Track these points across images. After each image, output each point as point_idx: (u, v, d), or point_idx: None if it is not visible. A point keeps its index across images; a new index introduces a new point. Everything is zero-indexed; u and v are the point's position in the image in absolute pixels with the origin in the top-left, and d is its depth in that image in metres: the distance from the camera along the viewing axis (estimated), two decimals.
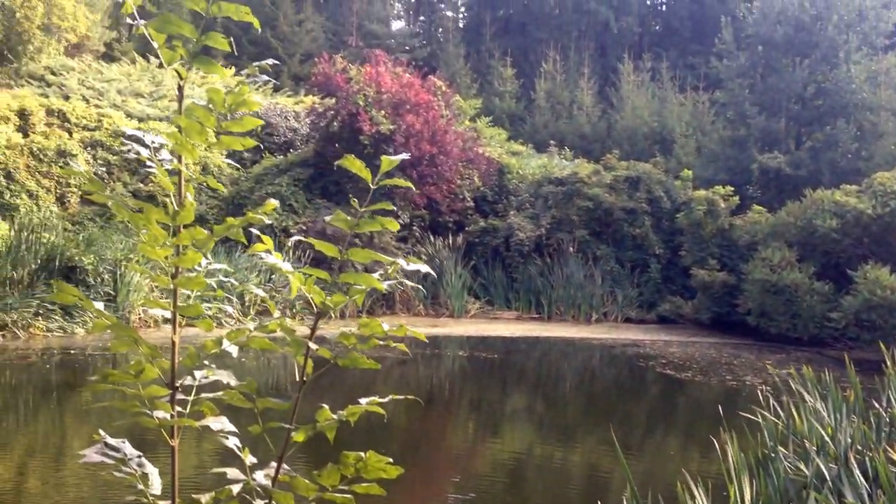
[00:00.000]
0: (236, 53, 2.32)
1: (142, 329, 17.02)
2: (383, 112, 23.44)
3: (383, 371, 14.87)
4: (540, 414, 13.22)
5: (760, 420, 7.21)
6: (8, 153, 20.38)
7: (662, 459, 10.14)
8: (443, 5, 59.39)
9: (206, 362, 2.53)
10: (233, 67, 25.00)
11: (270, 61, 2.51)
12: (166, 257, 2.38)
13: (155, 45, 2.31)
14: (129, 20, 2.36)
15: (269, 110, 27.71)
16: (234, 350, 2.49)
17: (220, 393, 2.52)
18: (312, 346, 2.42)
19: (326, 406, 2.48)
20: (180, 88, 2.40)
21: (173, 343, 2.44)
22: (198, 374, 2.54)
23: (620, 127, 38.12)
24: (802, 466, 6.17)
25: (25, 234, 17.69)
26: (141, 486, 2.38)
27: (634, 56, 44.07)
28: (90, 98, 27.56)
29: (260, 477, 2.51)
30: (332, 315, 2.67)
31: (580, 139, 38.22)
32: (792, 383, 8.00)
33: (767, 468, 6.21)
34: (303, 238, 2.92)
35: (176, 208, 2.35)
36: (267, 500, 2.49)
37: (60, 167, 21.08)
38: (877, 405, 6.98)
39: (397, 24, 56.49)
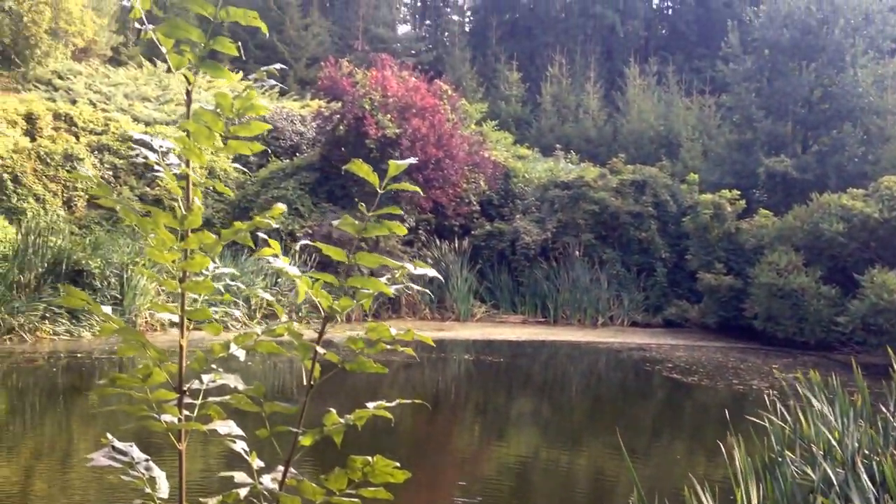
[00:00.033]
0: (244, 58, 2.33)
1: (148, 333, 17.04)
2: (389, 116, 23.47)
3: (389, 374, 14.88)
4: (546, 418, 13.20)
5: (767, 424, 7.19)
6: (15, 157, 20.44)
7: (669, 463, 10.12)
8: (449, 9, 59.47)
9: (213, 366, 2.53)
10: (240, 72, 25.13)
11: (278, 66, 2.51)
12: (174, 261, 2.38)
13: (163, 49, 2.31)
14: (137, 25, 2.37)
15: (276, 114, 27.76)
16: (241, 354, 2.49)
17: (227, 397, 2.53)
18: (320, 350, 2.42)
19: (334, 410, 2.48)
20: (188, 93, 2.40)
21: (181, 347, 2.44)
22: (205, 377, 2.54)
23: (626, 131, 38.12)
24: (809, 471, 6.15)
25: (32, 237, 17.74)
26: (148, 490, 2.38)
27: (640, 60, 44.07)
28: (97, 102, 27.65)
29: (267, 481, 2.51)
30: (338, 319, 2.68)
31: (586, 143, 38.22)
32: (799, 387, 7.98)
33: (774, 472, 6.19)
34: (310, 242, 2.93)
35: (184, 212, 2.36)
36: None
37: (67, 171, 21.14)
38: (884, 409, 6.95)
39: (403, 28, 56.65)
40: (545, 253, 24.68)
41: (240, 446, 2.50)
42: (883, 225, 19.69)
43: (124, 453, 2.40)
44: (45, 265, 17.55)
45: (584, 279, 24.00)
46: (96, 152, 22.61)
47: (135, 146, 2.47)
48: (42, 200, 20.30)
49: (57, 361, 14.78)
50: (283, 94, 34.01)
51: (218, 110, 2.35)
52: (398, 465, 2.41)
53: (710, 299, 22.56)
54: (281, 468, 2.54)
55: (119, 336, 2.37)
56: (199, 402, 2.53)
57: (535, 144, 36.35)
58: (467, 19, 58.80)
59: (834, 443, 6.49)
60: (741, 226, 23.51)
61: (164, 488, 2.41)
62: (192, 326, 2.49)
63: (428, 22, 59.20)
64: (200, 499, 2.49)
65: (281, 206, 2.47)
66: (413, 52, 48.76)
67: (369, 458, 2.40)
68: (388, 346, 2.47)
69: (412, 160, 2.46)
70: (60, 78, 29.45)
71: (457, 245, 24.32)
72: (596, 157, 33.65)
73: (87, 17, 31.13)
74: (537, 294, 24.31)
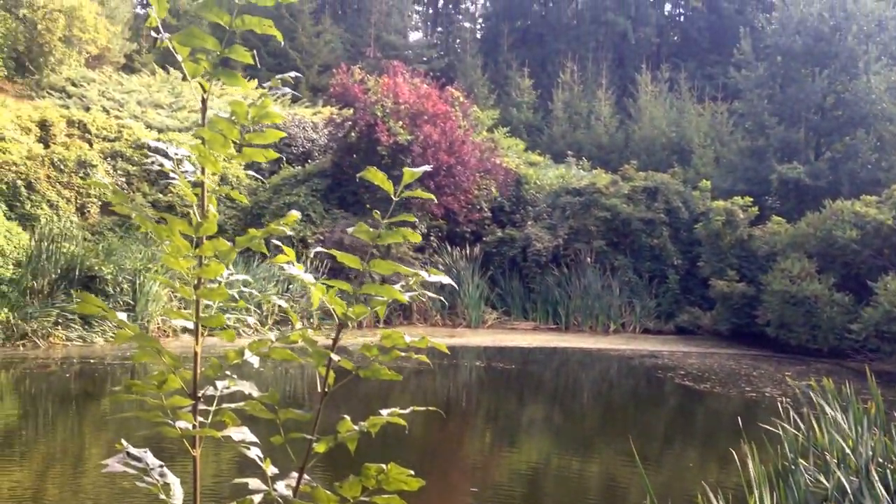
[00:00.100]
0: (260, 66, 2.34)
1: (160, 339, 17.06)
2: (401, 123, 23.51)
3: (401, 381, 14.88)
4: (558, 425, 13.18)
5: (780, 432, 7.16)
6: (29, 164, 20.55)
7: (681, 471, 10.09)
8: (460, 16, 59.58)
9: (227, 372, 2.54)
10: (255, 80, 25.22)
11: (293, 74, 2.53)
12: (189, 268, 2.39)
13: (179, 58, 2.33)
14: (153, 34, 2.38)
15: (288, 121, 27.83)
16: (255, 361, 2.50)
17: (241, 403, 2.53)
18: (334, 357, 2.43)
19: (348, 417, 2.49)
20: (204, 101, 2.42)
21: (195, 353, 2.45)
22: (220, 384, 2.55)
23: (638, 137, 38.07)
24: (823, 479, 6.13)
25: (46, 244, 17.84)
26: (163, 496, 2.39)
27: (652, 66, 44.03)
28: (110, 109, 27.77)
29: (281, 487, 2.52)
30: (350, 325, 2.68)
31: (598, 149, 38.19)
32: (812, 395, 7.95)
33: (788, 480, 6.17)
34: (325, 250, 2.93)
35: (199, 220, 2.37)
36: None
37: (81, 178, 21.24)
38: None
39: (415, 36, 56.76)
40: (556, 259, 24.65)
41: (254, 453, 2.51)
42: None
43: (139, 459, 2.41)
44: (59, 271, 17.64)
45: (595, 286, 23.96)
46: (109, 159, 22.70)
47: (150, 153, 2.49)
48: (55, 207, 20.39)
49: (70, 367, 14.83)
50: (295, 100, 34.09)
51: (233, 118, 2.36)
52: (412, 473, 2.41)
53: (723, 306, 22.49)
54: (294, 475, 2.54)
55: (134, 342, 2.38)
56: (213, 408, 2.54)
57: (547, 151, 36.34)
58: (479, 26, 58.88)
59: (848, 451, 6.46)
60: (754, 233, 23.44)
61: (178, 495, 2.42)
62: (206, 333, 2.50)
63: (440, 29, 59.33)
64: None
65: (295, 214, 2.48)
66: (425, 59, 48.83)
67: (383, 466, 2.40)
68: (403, 354, 2.47)
69: (426, 168, 2.47)
70: (74, 85, 29.60)
71: (468, 251, 24.32)
72: (608, 163, 33.62)
73: (101, 25, 31.29)
74: (549, 301, 24.28)
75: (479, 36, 56.44)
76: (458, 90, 27.20)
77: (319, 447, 2.48)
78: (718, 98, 38.43)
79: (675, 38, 54.62)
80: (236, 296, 2.57)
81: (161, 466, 2.43)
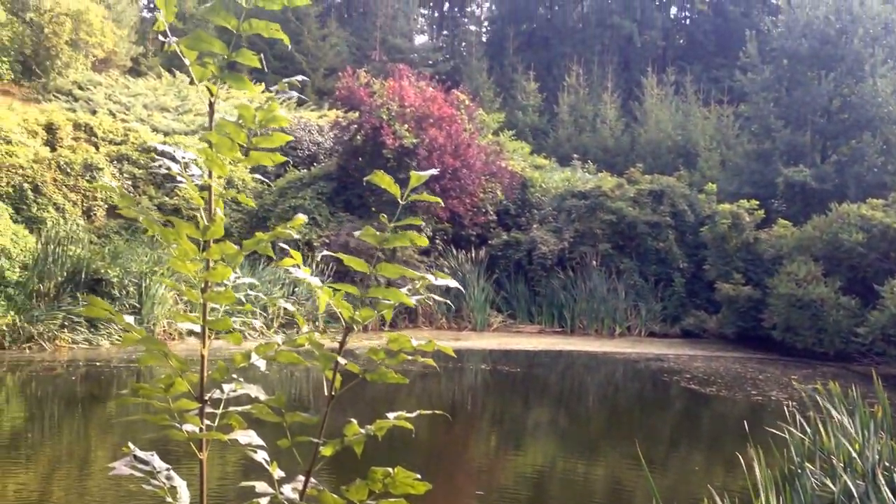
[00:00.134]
0: (266, 69, 2.35)
1: (165, 342, 17.10)
2: (406, 126, 23.52)
3: (406, 384, 14.87)
4: (563, 428, 13.17)
5: (787, 436, 7.15)
6: (35, 167, 20.60)
7: (687, 474, 10.07)
8: (466, 20, 59.66)
9: (233, 376, 2.55)
10: (263, 84, 25.25)
11: (300, 77, 2.53)
12: (196, 272, 2.40)
13: (186, 62, 2.33)
14: (160, 37, 2.39)
15: (294, 124, 27.87)
16: (262, 364, 2.50)
17: (248, 406, 2.54)
18: (341, 360, 2.43)
19: (355, 421, 2.49)
20: (211, 105, 2.42)
21: (202, 357, 2.45)
22: (226, 387, 2.55)
23: (644, 140, 38.05)
24: (829, 483, 6.11)
25: (52, 246, 17.88)
26: (170, 499, 2.39)
27: (658, 70, 44.03)
28: (117, 112, 27.85)
29: (288, 491, 2.52)
30: (356, 328, 2.68)
31: (603, 153, 38.18)
32: (818, 399, 7.93)
33: (794, 484, 6.16)
34: (332, 253, 2.93)
35: (206, 223, 2.37)
36: None
37: (87, 181, 21.29)
38: None
39: (420, 39, 56.81)
40: (562, 263, 24.62)
41: (260, 456, 2.51)
42: None
43: (146, 462, 2.42)
44: (65, 274, 17.68)
45: (601, 289, 23.93)
46: (115, 162, 22.75)
47: (158, 157, 2.49)
48: (62, 210, 20.44)
49: (76, 370, 14.86)
50: (300, 104, 34.15)
51: (240, 122, 2.37)
52: (419, 476, 2.41)
53: (729, 310, 22.45)
54: (301, 478, 2.55)
55: (142, 346, 2.39)
56: (219, 411, 2.54)
57: (553, 154, 36.35)
58: (484, 30, 58.95)
59: (854, 454, 6.45)
60: (760, 236, 23.40)
61: (185, 497, 2.42)
62: (212, 336, 2.51)
63: (445, 32, 59.40)
64: None
65: (302, 217, 2.49)
66: (430, 62, 48.91)
67: (390, 470, 2.40)
68: (409, 357, 2.47)
69: (433, 171, 2.47)
70: (80, 88, 29.68)
71: (473, 255, 24.31)
72: (613, 166, 33.61)
73: (108, 29, 31.40)
74: (554, 304, 24.25)
75: (484, 39, 56.50)
76: (464, 93, 27.20)
77: (326, 450, 2.48)
78: (724, 101, 38.41)
79: (681, 41, 54.62)
80: (243, 299, 2.58)
81: (168, 469, 2.43)
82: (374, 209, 22.98)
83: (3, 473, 8.73)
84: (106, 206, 21.47)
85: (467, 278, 23.37)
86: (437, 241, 24.10)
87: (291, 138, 2.64)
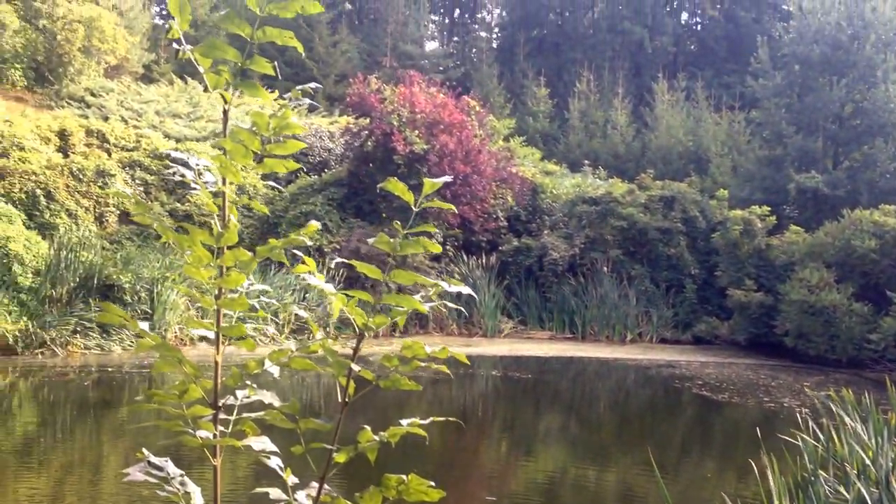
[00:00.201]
0: (280, 77, 2.36)
1: (177, 347, 17.15)
2: (417, 132, 23.55)
3: (419, 390, 14.87)
4: (574, 434, 13.14)
5: (800, 443, 7.11)
6: (48, 173, 20.70)
7: (699, 481, 10.04)
8: (476, 26, 59.72)
9: (247, 382, 2.55)
10: (275, 91, 25.32)
11: (313, 85, 2.54)
12: (210, 278, 2.41)
13: (201, 69, 2.34)
14: (175, 45, 2.40)
15: (305, 130, 27.87)
16: (275, 370, 2.50)
17: (262, 413, 2.54)
18: (355, 367, 2.43)
19: (368, 427, 2.49)
20: (225, 112, 2.43)
21: (216, 363, 2.46)
22: (240, 393, 2.56)
23: (655, 146, 37.98)
24: (843, 490, 6.08)
25: (64, 252, 17.96)
26: None
27: (669, 75, 43.93)
28: (129, 119, 27.95)
29: (301, 497, 2.52)
30: (368, 335, 2.68)
31: (614, 158, 38.11)
32: (831, 406, 7.89)
33: (807, 491, 6.13)
34: (346, 260, 2.94)
35: (220, 230, 2.38)
36: None
37: (99, 187, 21.38)
38: None
39: (431, 45, 56.85)
40: (573, 269, 24.59)
41: (274, 462, 2.51)
42: None
43: (160, 468, 2.42)
44: (77, 280, 17.76)
45: (612, 295, 23.88)
46: (128, 168, 22.84)
47: (172, 164, 2.51)
48: (74, 216, 20.52)
49: (88, 375, 14.91)
50: (311, 110, 34.21)
51: (254, 129, 2.38)
52: (433, 484, 2.41)
53: (741, 316, 22.37)
54: (314, 484, 2.55)
55: (157, 352, 2.39)
56: (233, 417, 2.55)
57: (563, 160, 36.30)
58: (495, 36, 58.96)
59: (868, 462, 6.41)
60: (771, 242, 23.31)
61: (199, 503, 2.43)
62: (226, 342, 2.51)
63: (456, 39, 59.46)
64: None
65: (315, 224, 2.49)
66: (441, 68, 48.94)
67: (403, 477, 2.40)
68: (423, 364, 2.47)
69: (446, 178, 2.48)
70: (93, 95, 29.81)
71: (484, 261, 24.31)
72: (624, 172, 33.54)
73: (120, 36, 31.53)
74: (565, 310, 24.21)
75: (495, 45, 56.51)
76: (475, 99, 27.22)
77: (339, 457, 2.48)
78: (736, 107, 38.30)
79: (692, 46, 54.51)
80: (256, 305, 2.58)
81: (182, 475, 2.44)
82: (384, 215, 23.01)
83: (16, 478, 8.77)
84: (118, 212, 21.55)
85: (478, 284, 23.36)
86: (448, 248, 24.10)
87: (304, 145, 2.65)
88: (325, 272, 20.07)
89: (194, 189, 2.44)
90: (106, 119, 26.98)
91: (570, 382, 18.24)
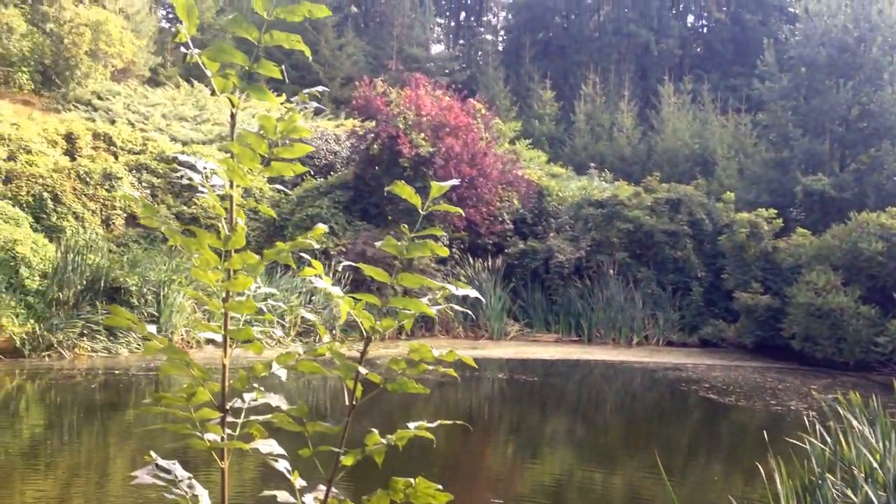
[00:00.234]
0: (287, 80, 2.36)
1: (184, 350, 17.17)
2: (423, 135, 23.56)
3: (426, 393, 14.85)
4: (581, 437, 13.12)
5: (807, 446, 7.10)
6: (55, 176, 20.75)
7: (706, 484, 10.02)
8: (482, 29, 59.73)
9: (254, 385, 2.55)
10: (283, 94, 25.36)
11: (320, 88, 2.55)
12: (218, 281, 2.41)
13: (208, 73, 2.35)
14: (182, 49, 2.41)
15: (311, 133, 27.91)
16: (283, 373, 2.51)
17: (269, 416, 2.54)
18: (362, 370, 2.43)
19: (376, 430, 2.49)
20: (233, 116, 2.44)
21: (224, 366, 2.46)
22: (247, 396, 2.56)
23: (661, 149, 37.95)
24: (850, 494, 6.06)
25: (71, 255, 17.99)
26: None
27: (675, 78, 43.90)
28: (135, 122, 28.01)
29: (309, 500, 2.52)
30: (375, 337, 2.68)
31: (620, 161, 38.09)
32: (839, 409, 7.87)
33: (815, 495, 6.11)
34: (353, 263, 2.94)
35: (227, 233, 2.39)
36: None
37: (106, 190, 21.42)
38: None
39: (437, 48, 56.90)
40: (579, 271, 24.57)
41: (282, 465, 2.51)
42: None
43: (167, 471, 2.43)
44: (84, 283, 17.79)
45: (618, 298, 23.85)
46: (134, 171, 22.88)
47: (179, 167, 2.51)
48: (81, 219, 20.55)
49: (95, 378, 14.94)
50: (317, 113, 34.22)
51: (261, 132, 2.38)
52: (440, 487, 2.41)
53: (747, 319, 22.33)
54: (321, 487, 2.55)
55: (164, 355, 2.40)
56: (241, 420, 2.55)
57: (569, 163, 36.29)
58: (501, 39, 58.99)
59: (875, 465, 6.39)
60: (778, 245, 23.27)
61: None
62: (234, 345, 2.52)
63: (462, 41, 59.49)
64: None
65: (322, 227, 2.50)
66: (447, 71, 48.96)
67: (411, 480, 2.40)
68: (430, 367, 2.47)
69: (454, 181, 2.48)
70: (100, 98, 29.87)
71: (490, 263, 24.29)
72: (630, 175, 33.52)
73: (127, 39, 31.60)
74: (571, 313, 24.19)
75: (501, 48, 56.55)
76: (480, 102, 27.22)
77: (347, 460, 2.48)
78: (742, 109, 38.26)
79: (699, 49, 54.46)
80: (264, 308, 2.59)
81: (190, 478, 2.44)
82: (390, 218, 23.01)
83: (23, 481, 8.79)
84: (125, 215, 21.59)
85: (484, 287, 23.34)
86: (454, 250, 24.09)
87: (312, 149, 2.66)
88: (331, 275, 20.08)
89: (202, 192, 2.44)
90: (113, 122, 27.03)
91: (577, 385, 18.22)
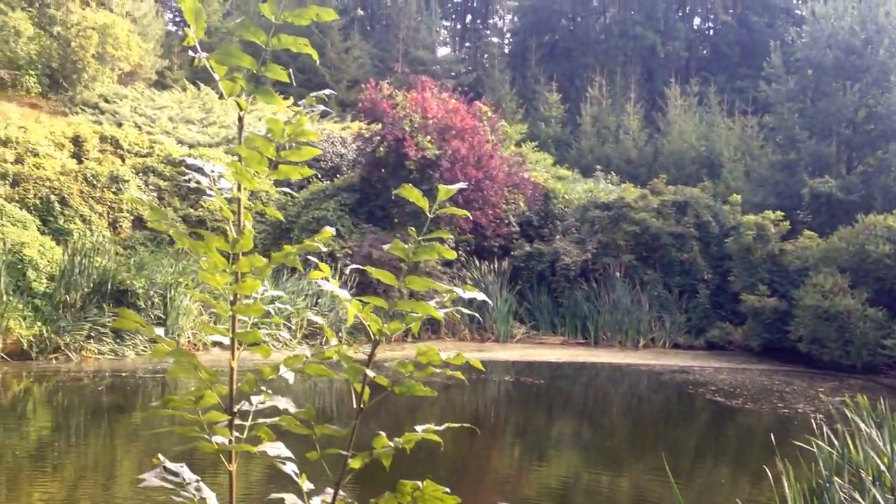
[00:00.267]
0: (294, 83, 2.36)
1: (191, 353, 17.19)
2: (429, 137, 23.57)
3: (433, 396, 14.84)
4: (587, 440, 13.10)
5: (815, 449, 7.08)
6: (62, 179, 20.80)
7: (712, 487, 10.00)
8: (489, 31, 59.78)
9: (262, 387, 2.56)
10: (289, 97, 25.41)
11: (327, 91, 2.55)
12: (225, 284, 2.41)
13: (216, 76, 2.35)
14: (190, 52, 2.41)
15: (319, 137, 27.94)
16: (290, 376, 2.51)
17: (277, 418, 2.54)
18: (370, 373, 2.43)
19: (383, 433, 2.49)
20: (240, 119, 2.44)
21: (231, 369, 2.46)
22: (255, 399, 2.56)
23: (667, 151, 37.90)
24: (858, 497, 6.05)
25: (78, 258, 18.02)
26: None
27: (681, 80, 43.88)
28: (142, 125, 28.08)
29: (317, 503, 2.52)
30: (382, 340, 2.68)
31: (626, 163, 38.06)
32: (846, 412, 7.85)
33: (822, 498, 6.10)
34: (360, 266, 2.94)
35: (235, 236, 2.39)
36: None
37: (113, 193, 21.46)
38: None
39: (443, 51, 56.92)
40: (585, 274, 24.54)
41: (289, 468, 2.52)
42: None
43: (175, 474, 2.43)
44: (91, 285, 17.82)
45: (624, 300, 23.82)
46: (141, 174, 22.92)
47: (187, 170, 2.52)
48: (88, 221, 20.60)
49: (102, 380, 14.97)
50: (323, 116, 34.29)
51: (269, 135, 2.38)
52: (448, 490, 2.41)
53: (754, 321, 22.28)
54: (329, 490, 2.55)
55: (172, 358, 2.40)
56: (248, 423, 2.55)
57: (575, 165, 36.27)
58: (507, 41, 59.02)
59: (883, 468, 6.38)
60: (785, 247, 23.23)
61: None
62: (241, 348, 2.52)
63: (468, 44, 59.52)
64: None
65: (330, 230, 2.50)
66: (453, 73, 49.02)
67: (419, 483, 2.40)
68: (438, 370, 2.47)
69: (461, 185, 2.48)
70: (107, 101, 29.95)
71: (496, 266, 24.27)
72: (636, 177, 33.50)
73: (134, 42, 31.68)
74: (577, 315, 24.16)
75: (507, 51, 56.56)
76: (486, 105, 27.24)
77: (355, 463, 2.48)
78: (749, 112, 38.21)
79: (705, 51, 54.42)
80: (271, 311, 2.59)
81: (197, 481, 2.44)
82: (397, 220, 23.02)
83: (30, 483, 8.80)
84: (132, 217, 21.63)
85: (490, 290, 23.32)
86: (460, 253, 24.07)
87: (319, 152, 2.66)
88: (338, 277, 20.09)
89: (209, 195, 2.44)
90: (120, 125, 27.09)
91: (583, 388, 18.20)
